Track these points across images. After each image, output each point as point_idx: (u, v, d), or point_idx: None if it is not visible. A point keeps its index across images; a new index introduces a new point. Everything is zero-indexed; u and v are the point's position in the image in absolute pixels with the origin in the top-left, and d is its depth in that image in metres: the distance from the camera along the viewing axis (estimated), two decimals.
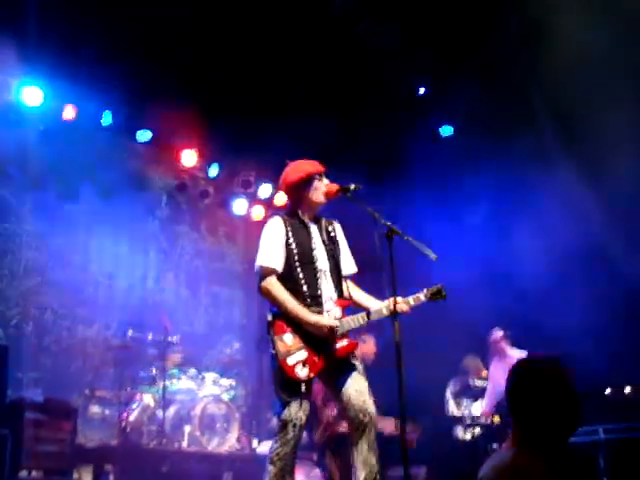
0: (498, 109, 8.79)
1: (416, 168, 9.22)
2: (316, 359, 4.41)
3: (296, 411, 4.35)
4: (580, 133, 8.10)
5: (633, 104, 7.45)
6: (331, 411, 6.96)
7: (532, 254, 8.42)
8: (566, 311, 7.90)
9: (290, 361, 4.37)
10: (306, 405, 4.40)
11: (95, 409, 7.92)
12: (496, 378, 7.72)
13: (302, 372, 4.36)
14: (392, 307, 4.33)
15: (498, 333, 7.99)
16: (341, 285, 4.72)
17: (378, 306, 4.61)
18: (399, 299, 4.48)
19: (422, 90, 9.44)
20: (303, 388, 4.35)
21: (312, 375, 4.39)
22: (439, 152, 9.66)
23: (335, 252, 4.76)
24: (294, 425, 4.34)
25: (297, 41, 8.15)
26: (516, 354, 7.85)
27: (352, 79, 8.67)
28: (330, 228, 4.86)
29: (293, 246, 4.60)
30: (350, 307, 4.70)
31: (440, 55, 8.68)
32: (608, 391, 7.46)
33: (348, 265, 4.86)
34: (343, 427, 6.63)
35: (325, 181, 4.78)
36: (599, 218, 8.27)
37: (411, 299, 4.62)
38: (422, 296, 4.67)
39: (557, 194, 8.42)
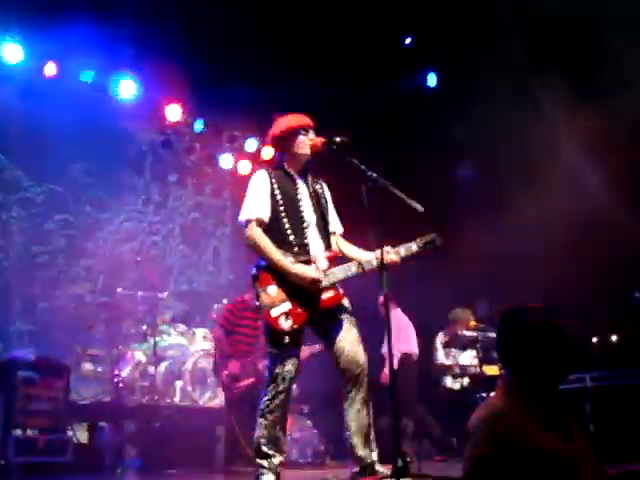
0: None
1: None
2: (300, 310, 4.40)
3: (284, 363, 4.37)
4: None
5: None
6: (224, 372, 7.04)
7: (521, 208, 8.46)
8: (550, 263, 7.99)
9: (274, 313, 4.36)
10: (295, 358, 4.42)
11: (87, 367, 7.97)
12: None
13: (286, 324, 4.35)
14: (380, 257, 4.32)
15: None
16: (328, 239, 4.70)
17: (368, 257, 4.61)
18: (389, 249, 4.49)
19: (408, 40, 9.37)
20: (287, 339, 4.35)
21: (295, 326, 4.37)
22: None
23: (321, 207, 4.75)
24: (283, 378, 4.36)
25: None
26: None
27: (338, 33, 8.58)
28: (317, 185, 4.84)
29: (279, 197, 4.58)
30: (338, 260, 4.68)
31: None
32: (595, 340, 7.56)
33: (335, 224, 4.85)
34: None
35: (311, 135, 4.75)
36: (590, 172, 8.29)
37: (402, 249, 4.60)
38: (414, 245, 4.64)
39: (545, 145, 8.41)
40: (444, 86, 9.89)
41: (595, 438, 6.53)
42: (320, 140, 4.67)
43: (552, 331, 2.77)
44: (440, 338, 8.57)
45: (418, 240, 4.66)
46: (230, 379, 6.92)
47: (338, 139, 4.60)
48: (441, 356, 8.46)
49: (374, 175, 4.33)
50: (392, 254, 4.50)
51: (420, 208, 4.32)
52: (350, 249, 4.81)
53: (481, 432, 2.66)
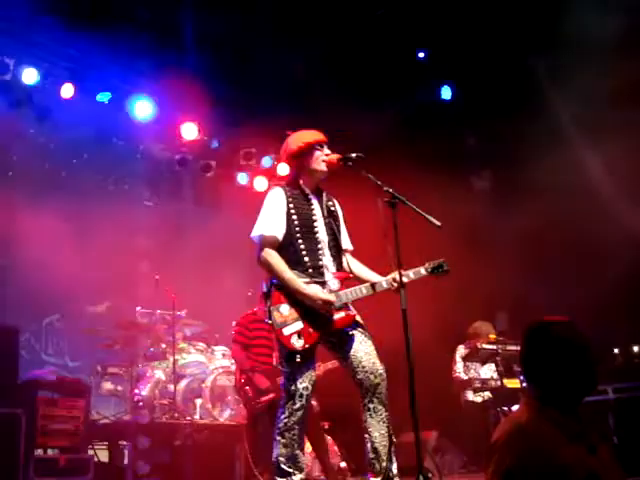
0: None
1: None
2: (311, 330, 4.41)
3: (300, 381, 4.36)
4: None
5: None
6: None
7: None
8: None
9: (286, 331, 4.38)
10: (311, 374, 4.42)
11: (107, 386, 7.99)
12: None
13: (298, 343, 4.36)
14: (393, 280, 4.40)
15: None
16: (340, 258, 4.71)
17: (379, 279, 4.62)
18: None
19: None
20: (299, 358, 4.35)
21: (307, 346, 4.38)
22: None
23: (334, 226, 4.75)
24: (300, 395, 4.36)
25: (299, 17, 8.11)
26: None
27: (353, 49, 8.62)
28: (330, 203, 4.84)
29: (295, 216, 4.58)
30: (349, 280, 4.69)
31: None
32: (616, 351, 7.50)
33: (346, 242, 4.85)
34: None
35: (326, 151, 4.75)
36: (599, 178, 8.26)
37: (411, 273, 4.61)
38: (423, 270, 4.66)
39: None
40: (459, 99, 9.89)
41: (618, 450, 6.47)
42: (336, 156, 4.68)
43: (577, 346, 2.75)
44: (460, 352, 8.53)
45: (427, 265, 4.68)
46: (256, 392, 6.85)
47: (354, 155, 4.60)
48: (460, 369, 8.42)
49: (391, 190, 4.33)
50: (404, 277, 4.48)
51: (438, 223, 4.32)
52: (360, 269, 4.82)
53: (506, 446, 2.65)
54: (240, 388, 7.07)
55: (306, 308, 4.43)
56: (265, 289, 4.52)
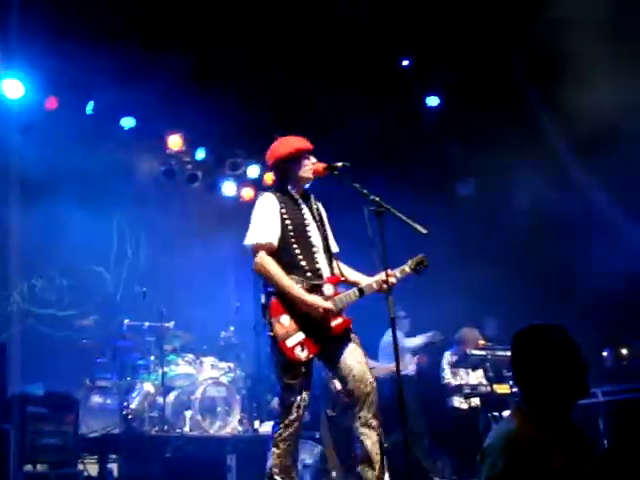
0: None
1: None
2: (313, 340, 4.40)
3: (299, 393, 4.35)
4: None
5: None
6: None
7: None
8: None
9: (289, 343, 4.35)
10: (308, 386, 4.41)
11: (96, 399, 7.94)
12: None
13: (302, 353, 4.35)
14: (383, 282, 4.37)
15: None
16: (332, 262, 4.71)
17: (368, 281, 4.61)
18: (388, 272, 4.48)
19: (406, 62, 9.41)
20: (303, 369, 4.35)
21: (311, 356, 4.38)
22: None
23: (324, 229, 4.76)
24: (298, 407, 4.34)
25: (281, 19, 8.09)
26: None
27: (334, 54, 8.62)
28: (316, 206, 4.84)
29: (288, 221, 4.57)
30: (342, 284, 4.70)
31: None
32: (605, 354, 7.52)
33: (333, 244, 4.85)
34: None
35: (312, 159, 4.76)
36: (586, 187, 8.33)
37: (397, 272, 4.62)
38: (407, 268, 4.68)
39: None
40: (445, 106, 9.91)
41: (609, 453, 6.49)
42: (322, 165, 4.69)
43: (568, 350, 2.76)
44: (447, 358, 8.55)
45: (410, 262, 4.71)
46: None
47: (340, 164, 4.62)
48: (448, 376, 8.43)
49: (377, 199, 4.34)
50: (392, 277, 4.49)
51: (424, 231, 4.33)
52: (348, 272, 4.82)
53: (498, 452, 2.65)
54: (328, 381, 7.22)
55: (304, 316, 4.40)
56: (263, 300, 4.48)
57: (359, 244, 4.36)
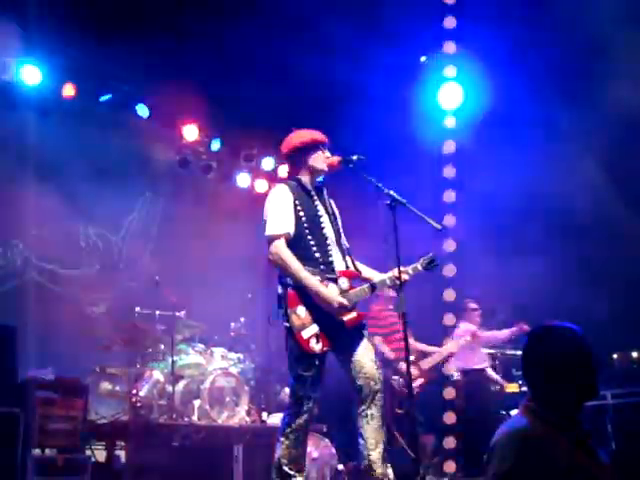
0: None
1: None
2: (328, 333, 4.41)
3: (311, 385, 4.36)
4: None
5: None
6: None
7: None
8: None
9: (305, 334, 4.36)
10: (320, 379, 4.42)
11: (106, 386, 7.96)
12: None
13: (317, 346, 4.36)
14: (396, 278, 4.38)
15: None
16: (344, 256, 4.70)
17: (381, 277, 4.61)
18: (401, 268, 4.48)
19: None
20: (317, 362, 4.36)
21: (326, 348, 4.39)
22: None
23: (336, 223, 4.76)
24: (309, 398, 4.35)
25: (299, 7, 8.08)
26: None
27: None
28: (330, 200, 4.85)
29: (301, 213, 4.57)
30: (355, 277, 4.69)
31: None
32: (615, 356, 7.49)
33: (344, 239, 4.85)
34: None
35: (327, 153, 4.76)
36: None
37: (410, 269, 4.62)
38: (419, 266, 4.69)
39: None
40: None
41: (616, 455, 6.47)
42: (337, 158, 4.69)
43: (579, 351, 2.76)
44: None
45: (421, 260, 4.71)
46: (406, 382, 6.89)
47: (355, 157, 4.61)
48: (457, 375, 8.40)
49: (391, 192, 4.33)
50: (404, 274, 4.48)
51: (438, 226, 4.33)
52: (361, 267, 4.81)
53: (506, 450, 2.65)
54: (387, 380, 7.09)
55: (320, 309, 4.40)
56: (280, 290, 4.48)
57: (366, 239, 4.36)
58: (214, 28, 8.10)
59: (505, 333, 8.19)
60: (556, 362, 2.74)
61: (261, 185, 10.83)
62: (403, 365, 6.75)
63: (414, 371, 6.96)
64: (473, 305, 8.26)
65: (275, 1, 7.80)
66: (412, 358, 6.93)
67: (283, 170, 10.27)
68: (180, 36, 8.10)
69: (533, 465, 2.56)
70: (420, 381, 7.02)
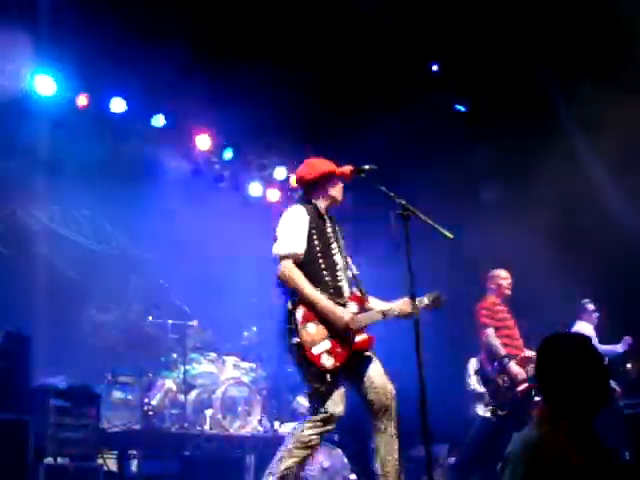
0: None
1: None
2: (339, 349, 4.40)
3: (337, 403, 4.37)
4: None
5: None
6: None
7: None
8: None
9: (315, 350, 4.34)
10: (343, 394, 4.42)
11: (118, 394, 7.97)
12: None
13: (328, 362, 4.34)
14: (404, 306, 4.49)
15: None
16: (350, 282, 4.72)
17: (389, 306, 4.64)
18: (407, 300, 4.44)
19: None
20: (329, 378, 4.33)
21: (338, 364, 4.37)
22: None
23: (345, 248, 4.79)
24: (339, 417, 4.37)
25: (313, 27, 8.13)
26: None
27: (368, 62, 8.64)
28: (339, 228, 4.87)
29: (315, 236, 4.59)
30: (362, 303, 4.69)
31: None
32: (629, 366, 7.45)
33: (353, 267, 4.86)
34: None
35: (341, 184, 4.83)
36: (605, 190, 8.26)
37: (417, 301, 4.53)
38: (425, 299, 4.71)
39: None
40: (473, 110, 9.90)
41: (631, 465, 6.42)
42: (349, 168, 4.70)
43: (590, 360, 2.78)
44: (473, 364, 8.48)
45: (428, 295, 4.72)
46: (512, 382, 6.80)
47: (367, 167, 4.63)
48: (474, 382, 8.36)
49: (403, 202, 4.32)
50: (413, 307, 4.41)
51: (450, 235, 4.31)
52: (370, 298, 4.80)
53: (520, 458, 2.65)
54: (495, 377, 7.01)
55: (331, 326, 4.40)
56: (290, 306, 4.45)
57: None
58: (230, 39, 8.17)
59: (617, 347, 8.28)
60: (567, 370, 2.76)
61: (273, 195, 10.83)
62: (511, 363, 6.74)
63: (523, 373, 6.78)
64: (591, 306, 8.25)
65: None
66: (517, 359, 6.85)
67: (294, 180, 10.26)
68: (194, 46, 8.14)
69: (546, 474, 2.57)
70: (524, 386, 6.81)
